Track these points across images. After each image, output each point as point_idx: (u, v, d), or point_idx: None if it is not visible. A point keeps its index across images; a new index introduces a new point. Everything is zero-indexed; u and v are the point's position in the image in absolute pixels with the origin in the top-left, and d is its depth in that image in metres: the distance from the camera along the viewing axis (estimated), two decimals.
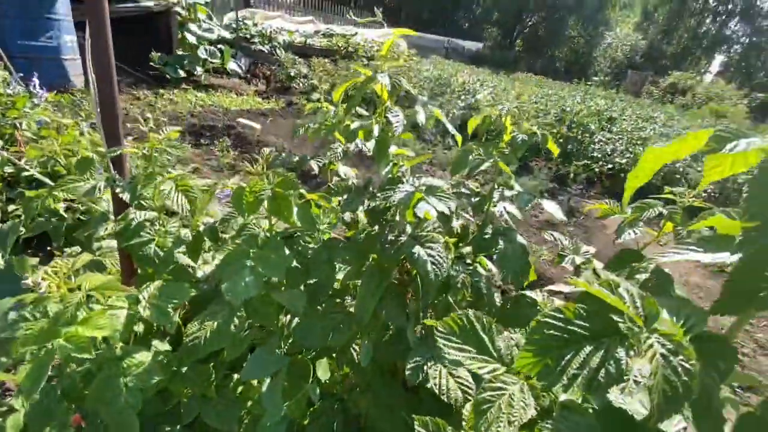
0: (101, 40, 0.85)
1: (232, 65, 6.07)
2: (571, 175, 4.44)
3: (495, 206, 1.07)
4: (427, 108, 0.96)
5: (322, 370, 0.97)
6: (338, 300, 0.88)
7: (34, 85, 2.26)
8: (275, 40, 7.51)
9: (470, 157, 1.05)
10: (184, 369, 0.73)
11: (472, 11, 36.45)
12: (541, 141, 1.16)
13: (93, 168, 1.04)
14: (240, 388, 0.87)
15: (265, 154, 0.90)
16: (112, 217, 0.90)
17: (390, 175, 0.83)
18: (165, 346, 0.76)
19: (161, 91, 4.95)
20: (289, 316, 0.86)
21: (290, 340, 0.87)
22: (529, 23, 37.73)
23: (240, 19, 7.07)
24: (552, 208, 1.04)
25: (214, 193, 0.80)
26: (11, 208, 1.64)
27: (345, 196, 0.89)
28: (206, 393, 0.78)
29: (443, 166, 4.30)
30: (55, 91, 3.52)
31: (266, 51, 7.29)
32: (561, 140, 4.84)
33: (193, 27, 5.57)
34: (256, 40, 7.20)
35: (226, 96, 5.43)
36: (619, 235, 0.91)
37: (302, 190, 0.80)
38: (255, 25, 7.63)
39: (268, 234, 0.81)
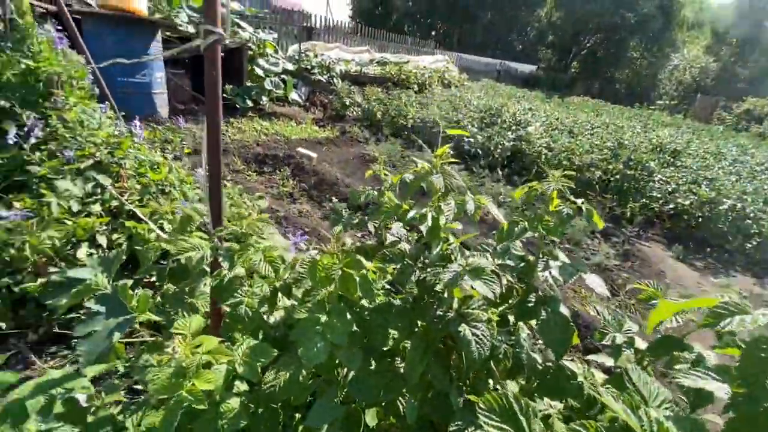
0: (213, 138, 1.04)
1: (293, 95, 6.57)
2: (628, 214, 4.25)
3: (539, 274, 1.13)
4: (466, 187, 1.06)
5: (371, 417, 1.08)
6: (389, 360, 0.99)
7: (135, 126, 2.66)
8: (333, 70, 8.00)
9: (516, 229, 1.13)
10: (260, 410, 0.88)
11: (527, 34, 36.10)
12: (585, 214, 1.21)
13: (192, 224, 1.25)
14: (301, 428, 1.01)
15: (336, 231, 1.04)
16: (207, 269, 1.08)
17: (440, 252, 0.94)
18: (244, 386, 0.92)
19: (231, 119, 5.47)
20: (346, 369, 0.99)
21: (345, 390, 1.00)
22: (587, 45, 36.50)
23: (303, 51, 7.65)
24: (596, 283, 1.09)
25: (296, 264, 0.95)
26: (114, 236, 1.95)
27: (399, 266, 1.01)
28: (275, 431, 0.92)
29: (494, 197, 4.32)
30: (145, 121, 4.07)
31: (324, 80, 7.79)
32: (617, 176, 4.67)
33: (261, 61, 6.14)
34: (315, 70, 7.73)
35: (287, 125, 5.88)
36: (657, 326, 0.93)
37: (365, 263, 0.92)
38: (315, 56, 8.21)
39: (331, 298, 0.95)
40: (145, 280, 2.00)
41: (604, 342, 1.06)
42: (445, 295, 0.90)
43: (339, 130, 6.18)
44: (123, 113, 2.95)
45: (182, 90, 5.67)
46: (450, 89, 11.10)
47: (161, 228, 2.08)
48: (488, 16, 33.49)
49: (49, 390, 0.82)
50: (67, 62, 2.35)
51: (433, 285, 0.94)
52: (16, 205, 1.75)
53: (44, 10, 4.29)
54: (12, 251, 1.62)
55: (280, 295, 1.06)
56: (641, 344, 1.05)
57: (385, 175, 1.33)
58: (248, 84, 6.18)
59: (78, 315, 1.72)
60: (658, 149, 5.88)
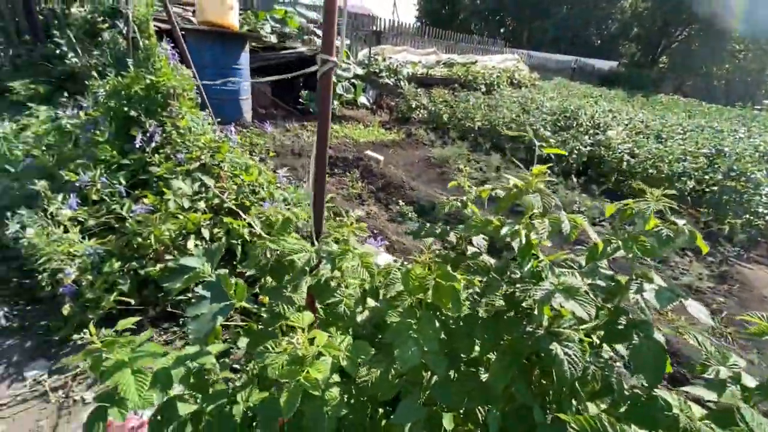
0: (320, 162, 1.15)
1: (362, 99, 6.80)
2: (726, 231, 3.79)
3: (631, 297, 1.09)
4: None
5: (448, 421, 1.13)
6: (472, 369, 1.03)
7: (230, 132, 2.98)
8: (400, 73, 8.13)
9: (609, 249, 1.10)
10: (352, 401, 0.97)
11: (607, 27, 33.30)
12: (687, 237, 1.14)
13: (290, 227, 1.40)
14: (384, 422, 1.09)
15: (427, 243, 1.10)
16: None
17: (531, 269, 0.95)
18: (337, 378, 1.02)
19: (306, 123, 5.82)
20: (430, 373, 1.04)
21: (428, 392, 1.05)
22: (679, 37, 32.73)
23: (372, 55, 7.87)
24: (697, 311, 1.02)
25: (389, 269, 1.02)
26: (215, 230, 2.21)
27: (485, 279, 1.04)
28: (363, 423, 1.01)
29: (565, 206, 4.11)
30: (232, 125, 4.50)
31: (392, 83, 7.94)
32: (714, 188, 4.17)
33: None
34: (383, 74, 7.91)
35: (355, 127, 6.11)
36: None
37: (456, 276, 0.97)
38: (383, 59, 8.40)
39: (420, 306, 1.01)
40: (238, 270, 2.25)
41: (705, 375, 1.00)
42: (535, 312, 0.91)
43: (405, 132, 6.28)
44: (219, 119, 3.31)
45: (264, 96, 6.15)
46: (520, 90, 10.67)
47: (250, 225, 2.31)
48: (563, 11, 31.46)
49: (185, 362, 0.98)
50: (180, 76, 2.70)
51: (521, 300, 0.96)
52: (145, 201, 2.06)
53: (158, 28, 4.93)
54: (139, 239, 1.92)
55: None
56: (750, 382, 0.97)
57: (468, 187, 1.36)
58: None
59: (187, 297, 1.98)
60: (766, 158, 5.13)
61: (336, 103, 6.53)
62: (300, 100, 6.16)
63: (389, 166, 4.71)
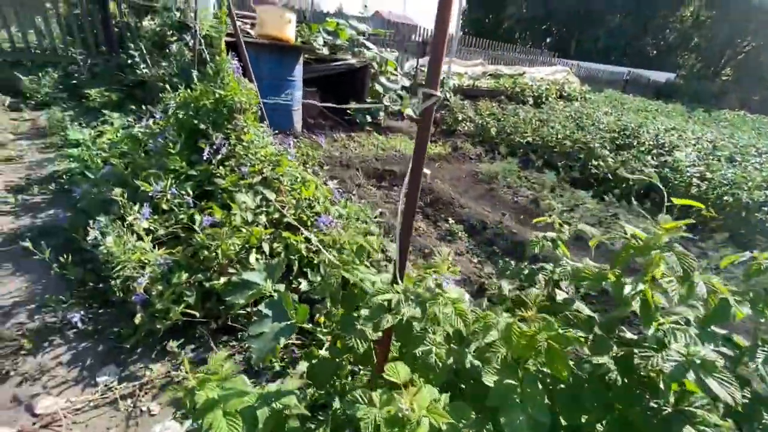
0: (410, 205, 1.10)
1: (408, 110, 6.75)
2: None
3: (759, 368, 0.95)
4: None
5: None
6: None
7: (289, 145, 3.03)
8: (446, 85, 8.04)
9: (732, 311, 0.96)
10: None
11: (664, 37, 31.49)
12: None
13: (364, 253, 1.36)
14: None
15: (533, 295, 1.02)
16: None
17: (655, 336, 0.84)
18: None
19: (352, 134, 5.87)
20: None
21: None
22: (746, 48, 30.42)
23: (419, 66, 7.86)
24: None
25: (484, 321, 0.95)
26: (275, 245, 2.23)
27: (590, 336, 0.94)
28: None
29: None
30: (283, 134, 4.61)
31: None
32: None
33: (383, 79, 6.48)
34: None
35: (401, 140, 6.09)
36: None
37: (566, 335, 0.87)
38: None
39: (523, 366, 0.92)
40: (293, 286, 2.24)
41: None
42: (661, 385, 0.80)
43: (451, 145, 6.18)
44: (276, 131, 3.38)
45: (313, 106, 6.27)
46: (571, 103, 10.26)
47: (307, 240, 2.31)
48: (616, 19, 30.13)
49: (269, 402, 0.95)
50: (246, 90, 2.78)
51: (640, 368, 0.85)
52: (211, 213, 2.11)
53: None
54: (206, 252, 1.97)
55: None
56: None
57: (560, 225, 1.26)
58: (368, 100, 6.57)
59: (246, 312, 2.00)
60: None
61: (382, 114, 6.55)
62: (348, 110, 6.23)
63: (436, 180, 4.63)
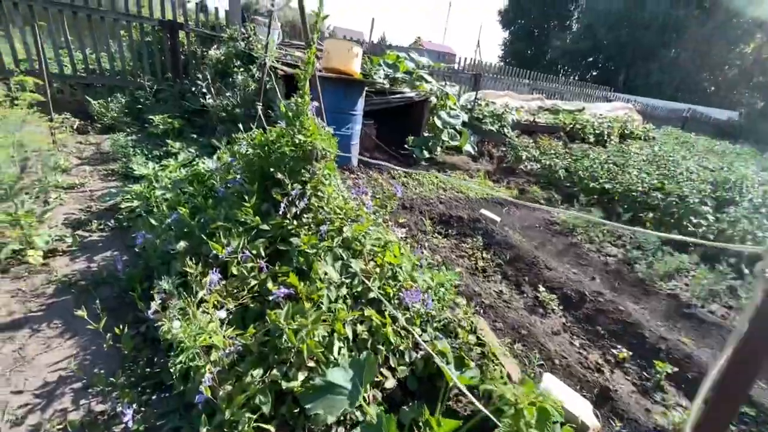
0: None
1: (467, 147, 6.41)
2: None
3: None
4: None
5: None
6: None
7: (365, 193, 2.70)
8: (504, 120, 7.65)
9: None
10: None
11: (723, 73, 29.91)
12: None
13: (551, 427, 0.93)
14: None
15: None
16: None
17: None
18: None
19: (410, 170, 5.53)
20: None
21: None
22: None
23: (476, 99, 7.53)
24: None
25: None
26: (359, 328, 1.84)
27: None
28: None
29: None
30: (340, 170, 4.33)
31: (495, 130, 7.48)
32: None
33: (443, 113, 6.18)
34: (486, 120, 7.50)
35: (461, 177, 5.70)
36: None
37: None
38: (485, 104, 8.01)
39: None
40: (376, 379, 1.83)
41: None
42: None
43: (515, 186, 5.71)
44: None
45: (369, 139, 6.04)
46: (634, 142, 9.56)
47: (392, 319, 1.91)
48: (671, 54, 28.96)
49: None
50: (325, 135, 2.49)
51: None
52: (291, 287, 1.76)
53: (283, 73, 5.05)
54: (282, 341, 1.60)
55: None
56: None
57: None
58: (425, 134, 6.27)
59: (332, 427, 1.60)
60: None
61: (440, 150, 6.21)
62: (405, 145, 5.94)
63: (507, 229, 4.16)
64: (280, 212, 2.16)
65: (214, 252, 1.92)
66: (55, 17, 5.55)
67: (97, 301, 2.06)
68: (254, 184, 2.58)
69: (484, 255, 3.50)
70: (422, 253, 3.18)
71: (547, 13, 41.90)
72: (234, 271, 1.90)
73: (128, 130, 5.42)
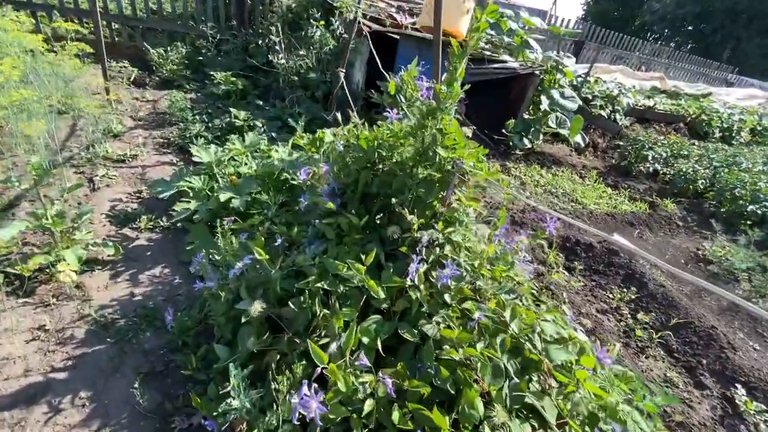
0: None
1: (577, 138, 5.19)
2: None
3: None
4: None
5: None
6: None
7: (504, 229, 1.83)
8: (618, 103, 6.22)
9: None
10: None
11: None
12: None
13: None
14: None
15: None
16: None
17: None
18: None
19: (507, 164, 4.52)
20: None
21: None
22: None
23: (587, 75, 6.11)
24: None
25: None
26: None
27: None
28: None
29: None
30: None
31: (605, 115, 6.11)
32: None
33: (554, 92, 4.96)
34: (596, 101, 6.12)
35: (568, 174, 4.60)
36: None
37: None
38: (595, 82, 6.55)
39: None
40: None
41: None
42: None
43: (639, 196, 4.53)
44: None
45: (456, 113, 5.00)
46: (766, 140, 7.70)
47: None
48: None
49: None
50: (471, 145, 1.61)
51: None
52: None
53: (369, 28, 4.08)
54: None
55: None
56: None
57: None
58: (525, 116, 5.11)
59: None
60: None
61: (541, 138, 5.07)
62: (503, 129, 4.86)
63: (652, 270, 3.15)
64: (408, 278, 1.35)
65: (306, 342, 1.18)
66: None
67: (139, 357, 1.43)
68: (353, 200, 1.80)
69: (636, 314, 2.55)
70: (562, 303, 2.30)
71: None
72: (340, 385, 1.15)
73: (187, 86, 4.78)
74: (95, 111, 2.99)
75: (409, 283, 1.37)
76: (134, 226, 2.35)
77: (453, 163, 1.54)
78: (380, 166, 1.80)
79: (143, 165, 3.06)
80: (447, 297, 1.35)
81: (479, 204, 1.63)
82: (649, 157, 5.03)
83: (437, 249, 1.51)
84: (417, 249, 1.47)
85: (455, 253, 1.54)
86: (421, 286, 1.39)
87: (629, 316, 2.53)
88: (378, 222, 1.74)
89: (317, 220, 1.67)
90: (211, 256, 2.06)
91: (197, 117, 3.68)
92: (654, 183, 5.06)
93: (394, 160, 1.71)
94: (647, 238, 3.70)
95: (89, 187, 2.64)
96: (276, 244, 1.79)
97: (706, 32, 31.96)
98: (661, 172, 5.09)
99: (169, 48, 5.14)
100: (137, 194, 2.68)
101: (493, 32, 5.08)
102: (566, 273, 2.86)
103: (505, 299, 1.45)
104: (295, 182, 2.09)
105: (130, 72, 4.93)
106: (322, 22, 4.11)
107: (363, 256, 1.44)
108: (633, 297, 2.64)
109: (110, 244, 2.00)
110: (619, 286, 2.79)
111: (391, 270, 1.50)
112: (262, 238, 1.68)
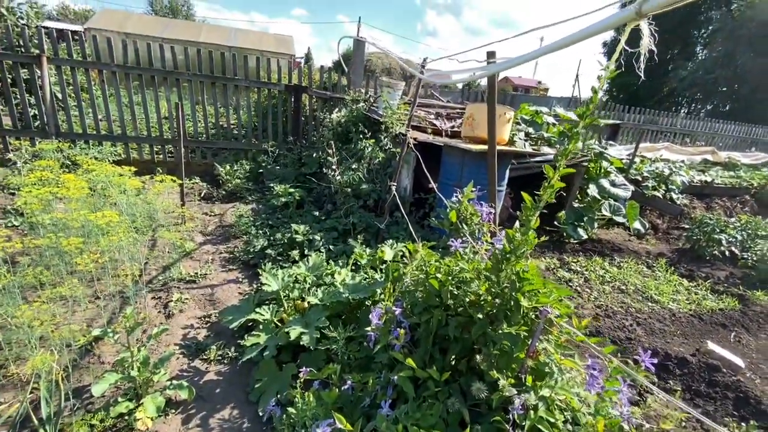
0: None
1: (636, 224, 4.97)
2: None
3: None
4: None
5: None
6: None
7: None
8: (672, 182, 6.00)
9: None
10: None
11: None
12: None
13: None
14: None
15: None
16: None
17: None
18: None
19: (564, 257, 4.34)
20: None
21: None
22: None
23: (635, 156, 6.05)
24: None
25: None
26: None
27: None
28: None
29: None
30: None
31: (660, 196, 5.87)
32: None
33: (603, 182, 4.90)
34: (648, 183, 5.95)
35: (633, 264, 4.30)
36: None
37: None
38: (642, 162, 6.45)
39: None
40: None
41: None
42: None
43: (723, 289, 4.08)
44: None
45: (505, 211, 5.01)
46: None
47: None
48: None
49: None
50: (550, 287, 1.54)
51: None
52: None
53: (415, 141, 4.36)
54: None
55: None
56: None
57: None
58: (575, 205, 5.02)
59: None
60: None
61: (596, 226, 4.89)
62: (555, 222, 4.77)
63: (757, 381, 2.69)
64: None
65: None
66: (197, 87, 5.79)
67: None
68: (425, 339, 1.73)
69: None
70: None
71: (666, 41, 37.25)
72: None
73: (249, 197, 5.25)
74: (174, 237, 3.29)
75: None
76: (205, 357, 2.40)
77: (537, 313, 1.47)
78: (452, 303, 1.77)
79: (212, 284, 3.24)
80: None
81: (576, 364, 1.50)
82: (723, 241, 4.64)
83: (531, 412, 1.37)
84: (510, 413, 1.34)
85: (550, 414, 1.39)
86: None
87: None
88: (456, 367, 1.65)
89: (388, 372, 1.60)
90: (278, 396, 2.01)
91: (260, 231, 3.94)
92: (734, 268, 4.59)
93: (467, 300, 1.67)
94: (747, 342, 3.23)
95: (164, 313, 2.80)
96: (345, 387, 1.73)
97: (744, 92, 31.55)
98: (741, 256, 4.63)
99: (234, 163, 5.79)
100: (206, 318, 2.78)
101: (531, 129, 5.29)
102: (664, 398, 2.49)
103: None
104: (363, 319, 2.08)
105: (200, 187, 5.53)
106: (372, 140, 4.48)
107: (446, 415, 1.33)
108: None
109: (185, 385, 2.02)
110: (732, 416, 2.37)
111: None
112: (336, 390, 1.63)
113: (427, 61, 3.28)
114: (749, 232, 4.88)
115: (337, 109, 5.80)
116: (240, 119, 6.14)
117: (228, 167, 5.58)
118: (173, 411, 2.00)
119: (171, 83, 6.03)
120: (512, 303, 1.48)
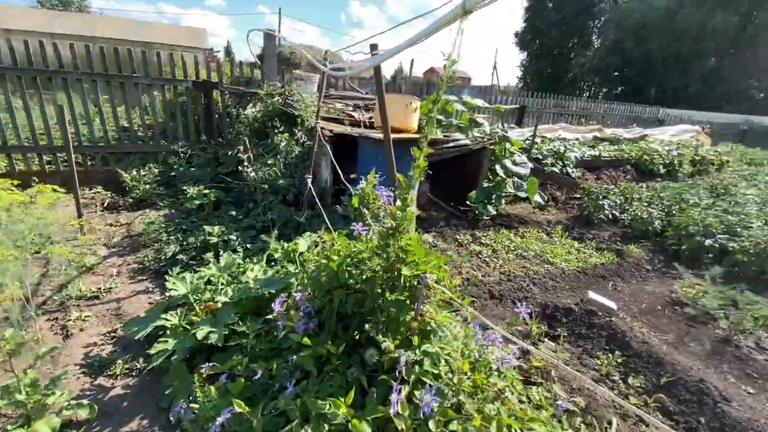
0: None
1: (537, 197, 5.56)
2: None
3: None
4: None
5: None
6: None
7: (496, 338, 1.90)
8: (567, 158, 6.79)
9: None
10: None
11: None
12: None
13: None
14: None
15: None
16: None
17: None
18: None
19: (477, 233, 4.73)
20: None
21: None
22: None
23: (534, 137, 6.72)
24: None
25: None
26: None
27: None
28: None
29: None
30: None
31: (557, 171, 6.61)
32: None
33: (506, 162, 5.39)
34: (547, 160, 6.66)
35: (536, 233, 4.83)
36: None
37: None
38: (542, 142, 7.19)
39: None
40: None
41: None
42: None
43: (605, 246, 4.76)
44: None
45: (423, 196, 5.31)
46: (707, 168, 8.43)
47: None
48: (710, 63, 27.45)
49: None
50: (431, 256, 1.73)
51: None
52: None
53: (331, 133, 4.43)
54: None
55: None
56: None
57: None
58: (485, 185, 5.47)
59: None
60: None
61: (504, 203, 5.39)
62: (467, 201, 5.16)
63: (628, 320, 3.24)
64: (391, 410, 1.37)
65: None
66: (89, 87, 5.25)
67: None
68: (330, 319, 1.85)
69: (627, 379, 2.57)
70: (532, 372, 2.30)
71: (566, 31, 41.24)
72: None
73: (161, 203, 4.93)
74: (68, 253, 3.02)
75: (392, 412, 1.38)
76: (109, 373, 2.28)
77: (418, 279, 1.64)
78: (351, 282, 1.89)
79: (118, 298, 3.04)
80: (432, 424, 1.36)
81: (449, 319, 1.71)
82: (605, 206, 5.39)
83: (416, 367, 1.55)
84: (397, 371, 1.50)
85: (434, 367, 1.58)
86: (406, 413, 1.41)
87: (620, 381, 2.54)
88: (358, 339, 1.78)
89: (294, 356, 1.69)
90: (190, 397, 2.00)
91: (171, 237, 3.76)
92: (616, 228, 5.37)
93: (363, 277, 1.80)
94: (621, 288, 3.84)
95: (62, 334, 2.58)
96: (256, 377, 1.78)
97: (630, 76, 36.07)
98: (620, 218, 5.43)
99: (142, 167, 5.37)
100: (112, 334, 2.63)
101: (442, 117, 5.62)
102: (552, 343, 2.89)
103: (490, 409, 1.48)
104: (270, 316, 2.12)
105: (103, 197, 5.07)
106: (287, 135, 4.46)
107: (346, 385, 1.46)
108: (620, 360, 2.68)
109: (85, 403, 1.92)
110: (604, 350, 2.84)
111: (375, 395, 1.52)
112: (242, 380, 1.67)
113: (328, 54, 3.35)
114: (626, 196, 5.72)
115: (251, 105, 5.64)
116: (144, 120, 5.69)
117: (134, 173, 5.17)
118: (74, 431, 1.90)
119: (58, 84, 5.39)
120: (396, 274, 1.64)
